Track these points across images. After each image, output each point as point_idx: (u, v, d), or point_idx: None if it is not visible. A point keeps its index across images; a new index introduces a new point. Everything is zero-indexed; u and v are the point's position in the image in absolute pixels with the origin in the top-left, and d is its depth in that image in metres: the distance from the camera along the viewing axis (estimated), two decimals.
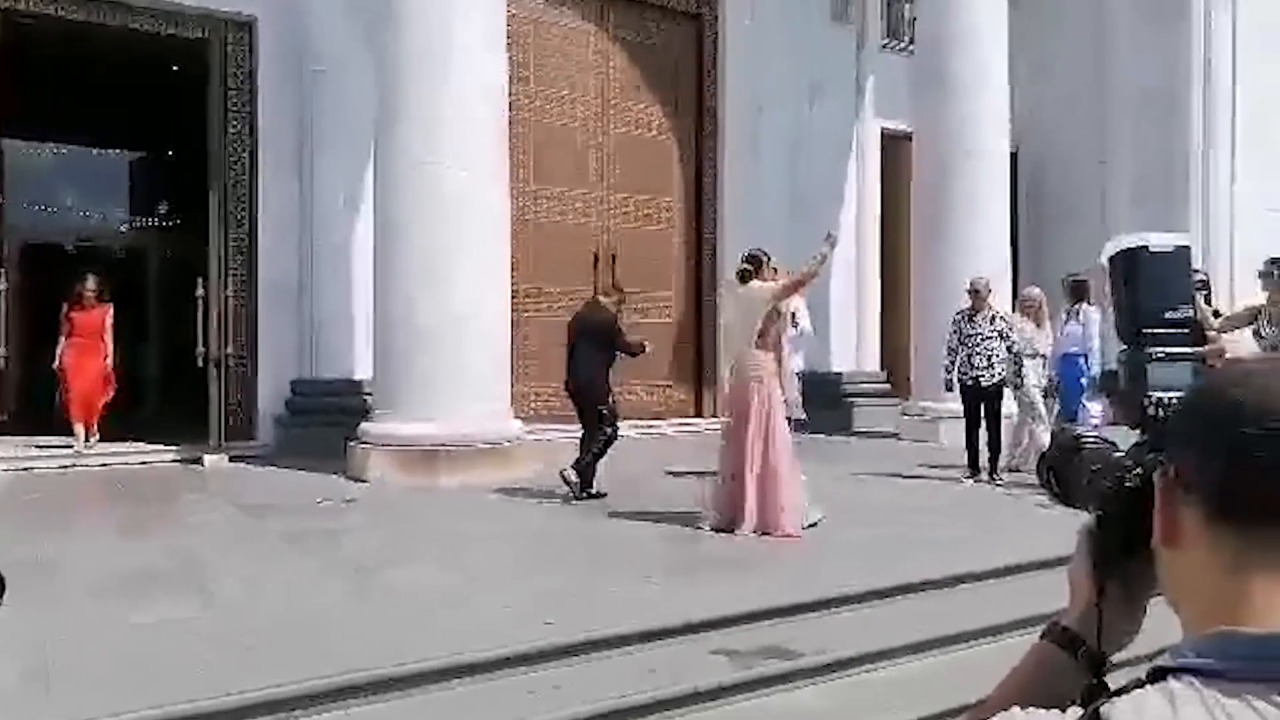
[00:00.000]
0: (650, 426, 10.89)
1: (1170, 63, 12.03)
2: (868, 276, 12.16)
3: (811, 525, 5.50)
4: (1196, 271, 7.40)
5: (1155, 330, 0.86)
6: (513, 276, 9.15)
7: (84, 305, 8.43)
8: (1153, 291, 0.86)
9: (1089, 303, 7.75)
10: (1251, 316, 6.48)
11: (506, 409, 7.72)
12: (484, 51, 7.46)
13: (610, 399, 6.67)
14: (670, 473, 7.82)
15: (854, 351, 12.03)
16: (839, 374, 11.72)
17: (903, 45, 12.27)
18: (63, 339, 8.39)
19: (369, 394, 8.04)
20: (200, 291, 8.50)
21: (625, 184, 11.10)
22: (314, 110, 9.03)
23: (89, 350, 8.39)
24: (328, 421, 8.18)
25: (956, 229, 9.82)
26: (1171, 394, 0.85)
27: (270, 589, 4.30)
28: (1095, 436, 0.89)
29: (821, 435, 7.79)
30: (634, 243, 11.11)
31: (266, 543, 5.42)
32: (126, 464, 8.13)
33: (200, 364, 8.41)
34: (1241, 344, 6.29)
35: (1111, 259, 0.89)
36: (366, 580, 4.50)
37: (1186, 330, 0.86)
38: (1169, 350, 0.86)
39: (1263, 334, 6.31)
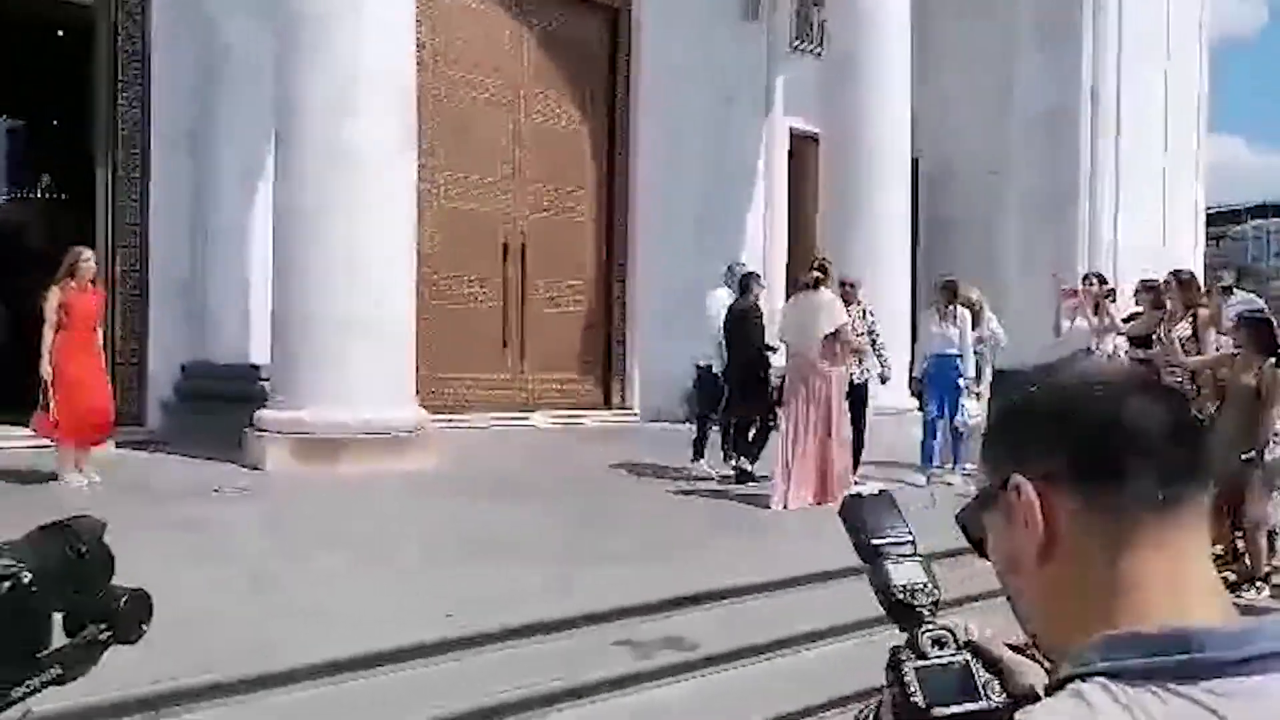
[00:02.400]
0: (564, 416, 10.87)
1: (1062, 85, 12.57)
2: (774, 272, 12.36)
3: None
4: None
5: (887, 545, 0.98)
6: (419, 263, 9.01)
7: (81, 287, 6.46)
8: (875, 521, 1.00)
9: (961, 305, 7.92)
10: (1158, 321, 6.91)
11: (410, 397, 7.59)
12: (391, 26, 7.30)
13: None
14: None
15: None
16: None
17: (813, 47, 12.50)
18: (50, 333, 6.29)
19: (267, 379, 7.79)
20: None
21: (538, 173, 11.02)
22: (211, 82, 8.69)
23: (89, 348, 6.48)
24: (223, 408, 7.88)
25: (860, 229, 10.06)
26: (914, 582, 0.94)
27: (147, 581, 4.13)
28: (894, 541, 0.97)
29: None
30: (545, 232, 11.05)
31: (148, 533, 5.20)
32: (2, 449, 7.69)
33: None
34: None
35: (841, 514, 1.02)
36: (252, 572, 4.35)
37: (911, 541, 1.00)
38: (898, 552, 0.98)
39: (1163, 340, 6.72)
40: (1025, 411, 0.76)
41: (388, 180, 7.27)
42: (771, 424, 7.05)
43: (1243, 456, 5.72)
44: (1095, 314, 7.59)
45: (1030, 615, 0.75)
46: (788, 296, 12.55)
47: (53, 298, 6.35)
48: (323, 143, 7.07)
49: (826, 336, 6.31)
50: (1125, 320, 7.53)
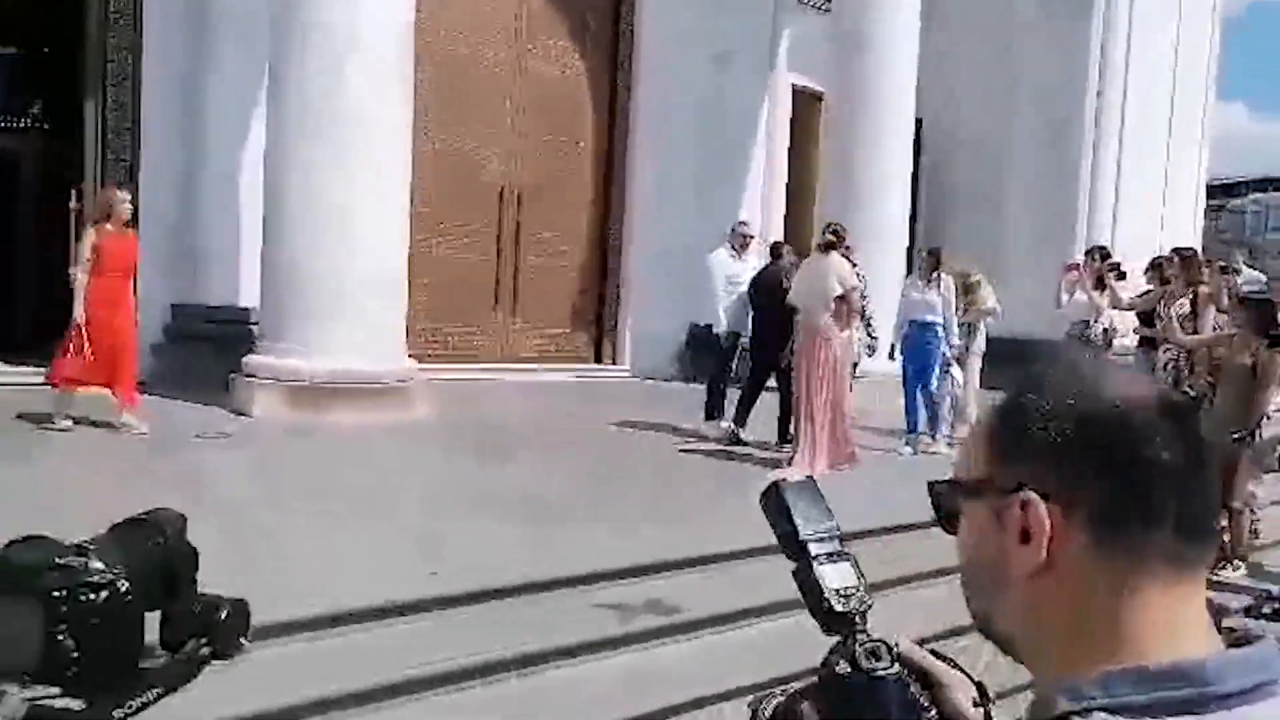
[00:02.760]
0: (555, 370, 10.83)
1: (1069, 55, 12.39)
2: (773, 233, 12.25)
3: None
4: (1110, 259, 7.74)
5: (815, 541, 0.94)
6: (414, 213, 8.88)
7: (118, 230, 6.16)
8: (803, 512, 0.96)
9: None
10: (1160, 297, 6.88)
11: (400, 347, 7.53)
12: None
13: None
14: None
15: None
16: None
17: (820, 2, 12.25)
18: (82, 275, 6.01)
19: (256, 323, 7.71)
20: (75, 204, 7.94)
21: (537, 126, 10.84)
22: (205, 26, 8.47)
23: (122, 295, 6.21)
24: (212, 351, 7.81)
25: (861, 193, 9.95)
26: (848, 587, 0.91)
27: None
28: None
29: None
30: (543, 185, 10.90)
31: (132, 477, 5.18)
32: None
33: (72, 284, 7.75)
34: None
35: (760, 497, 0.98)
36: (230, 524, 4.31)
37: (838, 534, 0.96)
38: (827, 550, 0.94)
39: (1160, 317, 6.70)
40: (1050, 420, 0.69)
41: (384, 124, 7.14)
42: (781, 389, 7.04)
43: (1234, 436, 5.72)
44: (1096, 288, 7.55)
45: (1010, 625, 0.73)
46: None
47: (87, 240, 6.08)
48: (318, 93, 6.93)
49: (836, 300, 6.33)
50: (1138, 297, 7.49)
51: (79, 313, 5.97)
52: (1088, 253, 8.00)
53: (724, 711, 3.22)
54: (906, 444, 7.21)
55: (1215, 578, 5.82)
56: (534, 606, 3.62)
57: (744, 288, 7.54)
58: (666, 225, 11.12)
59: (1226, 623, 0.72)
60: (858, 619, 0.91)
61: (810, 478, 1.00)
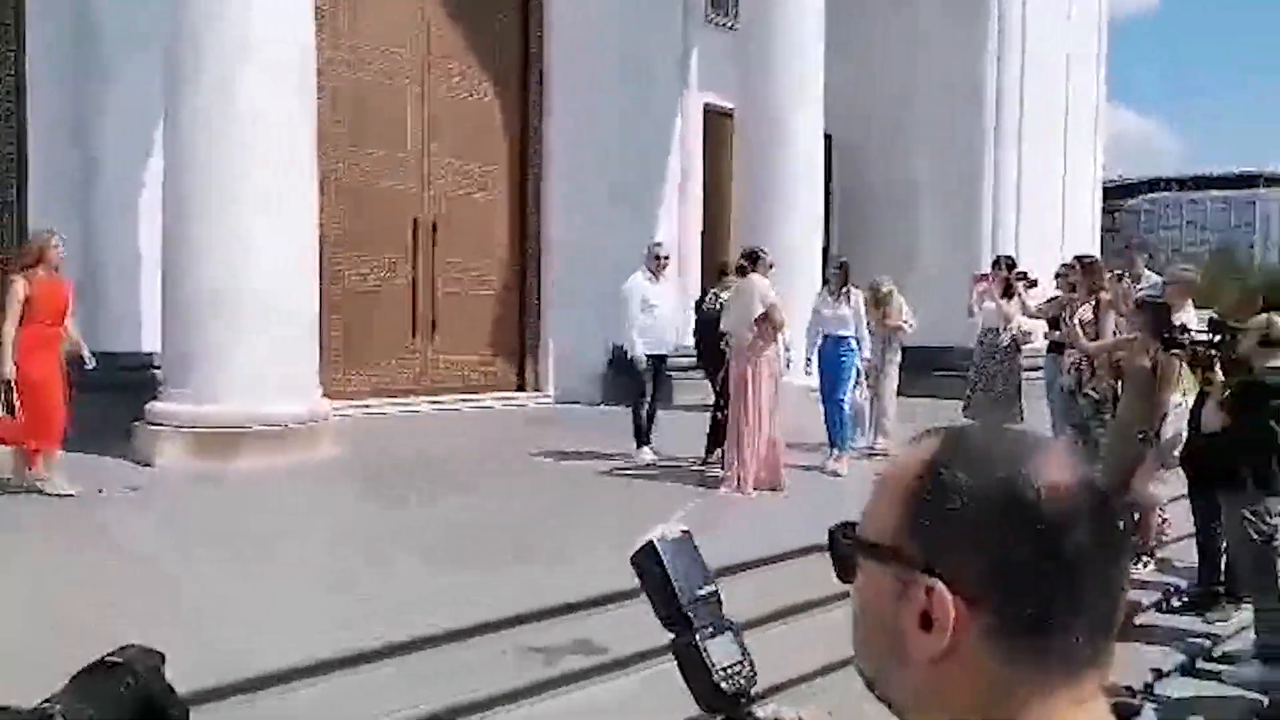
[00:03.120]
0: (477, 400, 10.67)
1: (968, 61, 12.79)
2: (690, 252, 12.31)
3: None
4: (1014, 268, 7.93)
5: (697, 610, 0.90)
6: (323, 244, 8.66)
7: (49, 276, 5.79)
8: (681, 575, 0.90)
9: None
10: (1063, 304, 7.07)
11: (312, 385, 7.29)
12: None
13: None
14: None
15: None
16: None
17: (728, 20, 12.40)
18: (10, 327, 5.59)
19: (159, 368, 7.39)
20: None
21: (449, 150, 10.70)
22: (93, 56, 8.13)
23: (53, 344, 5.81)
24: (115, 399, 7.45)
25: (774, 207, 10.07)
26: (733, 664, 0.87)
27: (23, 594, 3.87)
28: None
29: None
30: (457, 211, 10.76)
31: (26, 537, 4.89)
32: None
33: None
34: None
35: (632, 559, 0.93)
36: (132, 585, 4.09)
37: (717, 596, 0.91)
38: (709, 620, 0.89)
39: (1064, 326, 6.90)
40: (967, 505, 0.66)
41: (288, 155, 6.94)
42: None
43: (1138, 436, 5.90)
44: (1004, 297, 7.75)
45: (904, 700, 0.69)
46: (704, 278, 12.60)
47: (18, 288, 5.63)
48: (215, 119, 6.69)
49: (758, 318, 6.44)
50: (1045, 304, 7.70)
51: (9, 368, 5.57)
52: (994, 263, 8.22)
53: None
54: (830, 458, 7.26)
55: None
56: (455, 655, 3.50)
57: (660, 309, 7.54)
58: (584, 247, 11.07)
59: (1113, 699, 0.69)
60: (744, 699, 0.87)
61: (687, 532, 0.93)
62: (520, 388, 11.26)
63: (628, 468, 7.13)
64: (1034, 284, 7.97)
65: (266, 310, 6.72)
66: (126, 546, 4.88)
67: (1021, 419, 7.79)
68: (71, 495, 5.64)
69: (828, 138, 11.72)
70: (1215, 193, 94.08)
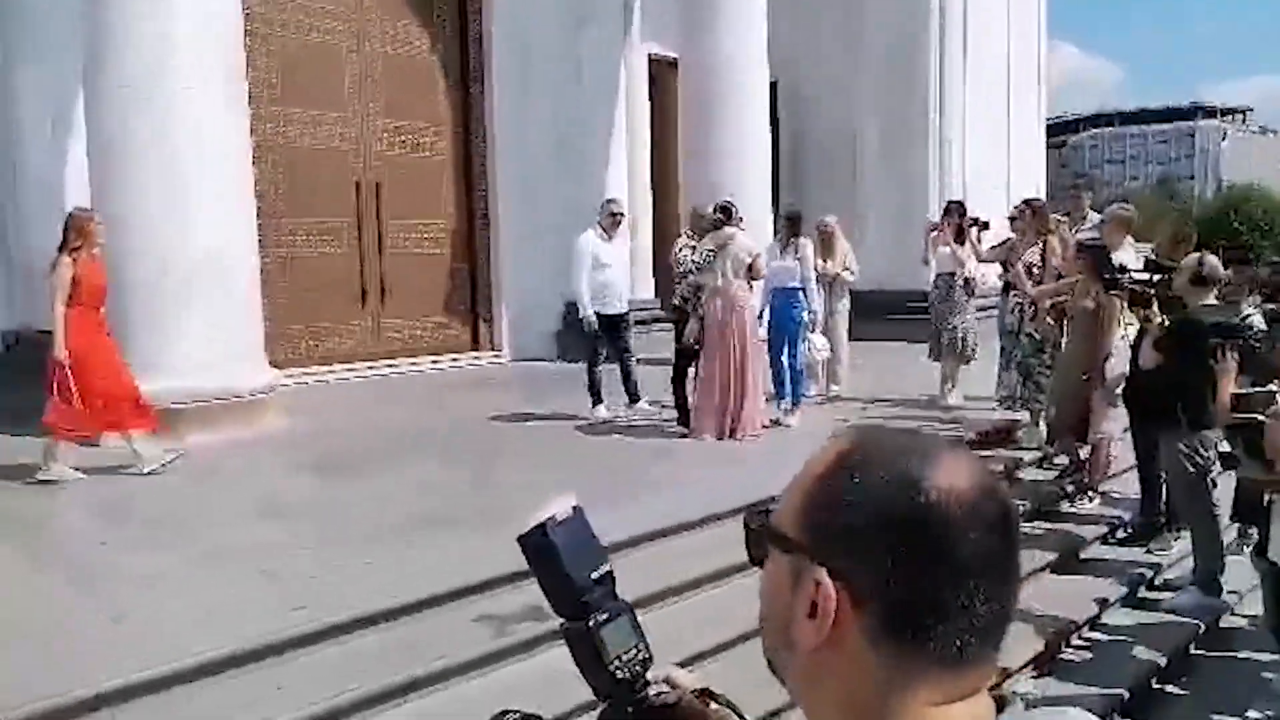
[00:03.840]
0: (430, 362, 10.56)
1: (913, 5, 12.70)
2: (638, 204, 12.21)
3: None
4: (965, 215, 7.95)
5: (592, 595, 0.87)
6: (262, 210, 8.45)
7: (91, 257, 5.65)
8: (575, 558, 0.86)
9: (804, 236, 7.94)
10: (1010, 247, 7.12)
11: (258, 355, 7.15)
12: None
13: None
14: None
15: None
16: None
17: None
18: (61, 307, 5.49)
19: None
20: None
21: (389, 108, 10.44)
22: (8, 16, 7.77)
23: (103, 326, 5.73)
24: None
25: (722, 157, 10.00)
26: (628, 650, 0.86)
27: None
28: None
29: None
30: (400, 170, 10.53)
31: None
32: None
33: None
34: None
35: (520, 541, 0.88)
36: (69, 576, 4.00)
37: (611, 575, 0.88)
38: (603, 603, 0.87)
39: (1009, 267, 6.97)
40: (863, 505, 0.67)
41: (219, 117, 6.72)
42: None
43: (1083, 376, 6.02)
44: (957, 242, 7.81)
45: (793, 683, 0.73)
46: (655, 230, 12.52)
47: (65, 270, 5.51)
48: (140, 80, 6.44)
49: (740, 272, 6.55)
50: (994, 248, 7.76)
51: (61, 353, 5.46)
52: (946, 209, 8.25)
53: None
54: (782, 410, 7.30)
55: (1073, 509, 6.16)
56: (407, 629, 3.48)
57: (613, 268, 7.46)
58: (533, 203, 10.93)
59: (994, 692, 0.70)
60: (638, 683, 0.86)
61: (578, 509, 0.90)
62: (474, 348, 11.16)
63: (587, 427, 7.12)
64: (986, 226, 8.02)
65: (205, 281, 6.55)
66: (60, 535, 4.79)
67: (973, 358, 7.91)
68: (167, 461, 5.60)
69: (774, 85, 11.62)
70: (1156, 126, 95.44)
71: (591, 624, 0.86)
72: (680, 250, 7.27)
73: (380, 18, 10.32)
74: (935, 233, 8.09)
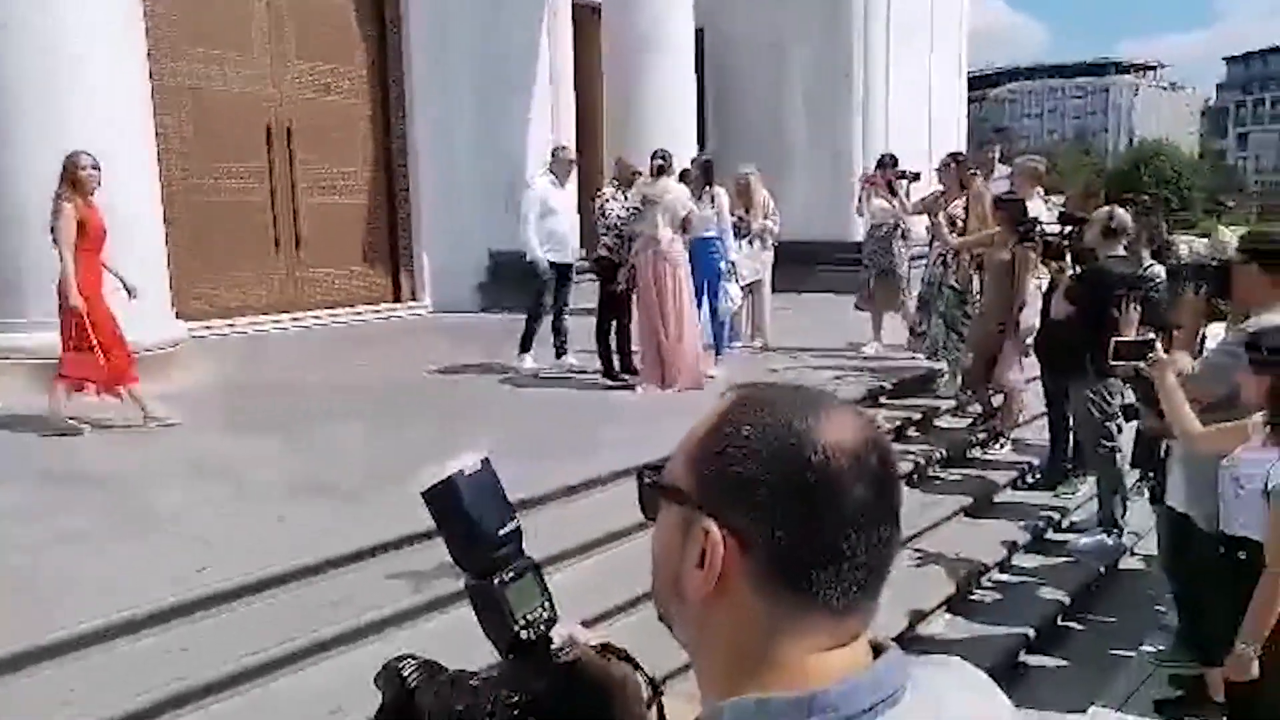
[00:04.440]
0: (349, 313, 10.31)
1: None
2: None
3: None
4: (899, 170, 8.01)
5: (498, 553, 0.84)
6: (166, 154, 8.08)
7: (87, 202, 5.37)
8: (482, 514, 0.84)
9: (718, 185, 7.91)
10: (935, 199, 7.21)
11: (163, 307, 6.87)
12: None
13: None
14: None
15: None
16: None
17: None
18: (67, 256, 5.23)
19: None
20: None
21: (302, 51, 10.02)
22: None
23: (101, 275, 5.49)
24: None
25: (648, 106, 9.86)
26: (532, 609, 0.84)
27: None
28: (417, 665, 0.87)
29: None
30: (315, 115, 10.15)
31: None
32: None
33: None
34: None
35: (424, 496, 0.84)
36: None
37: (519, 542, 0.86)
38: (509, 561, 0.85)
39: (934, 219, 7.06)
40: (748, 456, 0.69)
41: (117, 59, 6.36)
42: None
43: (998, 327, 6.16)
44: (890, 194, 7.89)
45: (683, 635, 0.74)
46: (580, 181, 12.33)
47: (68, 213, 5.22)
48: (28, 27, 6.03)
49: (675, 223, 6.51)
50: (921, 200, 7.85)
51: (76, 300, 5.21)
52: (879, 161, 8.29)
53: None
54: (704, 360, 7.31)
55: (985, 456, 6.34)
56: (324, 587, 3.42)
57: (563, 216, 7.29)
58: (453, 151, 10.68)
59: (873, 640, 0.72)
60: (541, 645, 0.85)
61: (486, 461, 0.88)
62: (396, 299, 10.93)
63: (516, 380, 7.02)
64: (916, 178, 8.10)
65: (109, 231, 6.21)
66: None
67: (905, 304, 8.04)
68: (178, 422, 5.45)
69: (699, 32, 11.47)
70: (1073, 81, 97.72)
71: (497, 582, 0.84)
72: (607, 202, 7.15)
73: None
74: (869, 185, 8.14)
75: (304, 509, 4.07)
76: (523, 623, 0.84)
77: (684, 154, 10.08)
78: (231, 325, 9.28)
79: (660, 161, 6.73)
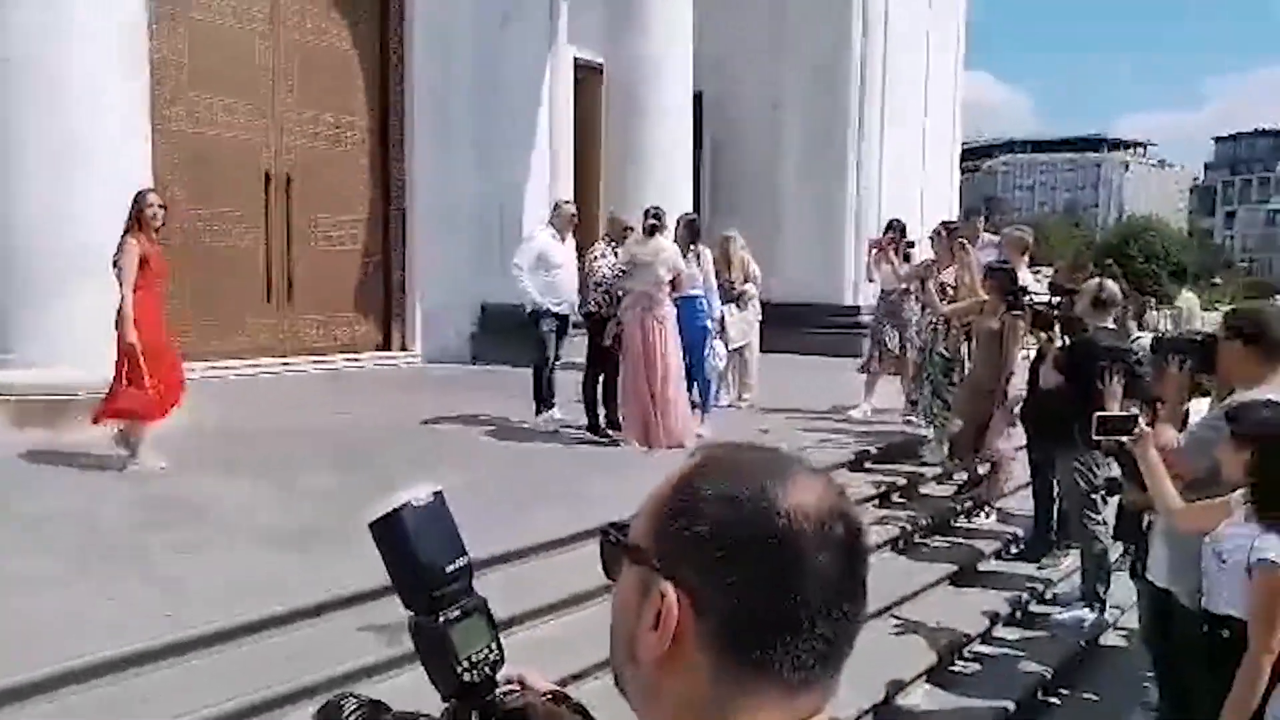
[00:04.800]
0: (341, 360, 10.28)
1: (835, 20, 12.93)
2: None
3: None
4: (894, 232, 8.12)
5: (446, 590, 0.81)
6: (163, 194, 8.10)
7: (151, 240, 5.50)
8: (431, 548, 0.81)
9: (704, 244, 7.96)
10: (926, 267, 7.30)
11: None
12: None
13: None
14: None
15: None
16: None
17: None
18: (128, 291, 5.31)
19: None
20: None
21: (303, 99, 10.15)
22: None
23: (163, 312, 5.63)
24: None
25: (643, 166, 9.98)
26: (477, 652, 0.80)
27: None
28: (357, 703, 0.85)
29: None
30: (313, 162, 10.24)
31: None
32: None
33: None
34: None
35: (372, 526, 0.83)
36: None
37: (468, 568, 0.82)
38: (463, 606, 0.81)
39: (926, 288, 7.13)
40: (710, 519, 0.67)
41: (114, 101, 6.44)
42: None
43: (988, 394, 6.17)
44: (903, 259, 8.01)
45: (634, 698, 0.72)
46: (576, 236, 12.41)
47: (132, 251, 5.34)
48: (32, 54, 6.12)
49: (664, 282, 6.54)
50: (915, 267, 7.92)
51: (132, 337, 5.31)
52: (888, 226, 8.39)
53: None
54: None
55: (970, 525, 6.31)
56: (296, 635, 3.34)
57: (564, 270, 7.30)
58: (450, 203, 10.77)
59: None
60: (485, 688, 0.82)
61: (439, 494, 0.86)
62: (386, 348, 10.92)
63: (502, 432, 6.97)
64: (911, 245, 8.20)
65: (93, 266, 6.20)
66: None
67: (909, 370, 8.06)
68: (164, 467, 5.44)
69: (698, 95, 11.68)
70: (1064, 155, 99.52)
71: (441, 620, 0.81)
72: (598, 259, 7.16)
73: (294, 6, 10.03)
74: (877, 250, 8.21)
75: (276, 556, 4.00)
76: (466, 664, 0.81)
77: (677, 213, 10.21)
78: (228, 368, 9.24)
79: (653, 220, 6.73)
